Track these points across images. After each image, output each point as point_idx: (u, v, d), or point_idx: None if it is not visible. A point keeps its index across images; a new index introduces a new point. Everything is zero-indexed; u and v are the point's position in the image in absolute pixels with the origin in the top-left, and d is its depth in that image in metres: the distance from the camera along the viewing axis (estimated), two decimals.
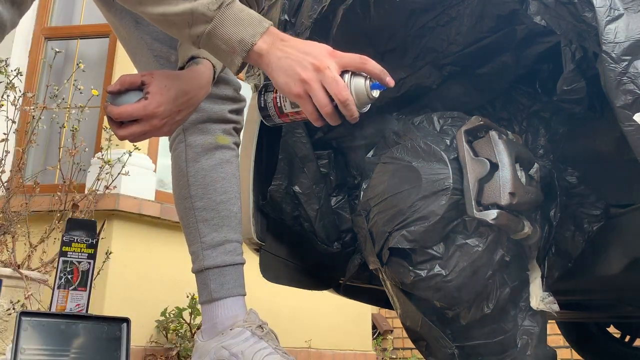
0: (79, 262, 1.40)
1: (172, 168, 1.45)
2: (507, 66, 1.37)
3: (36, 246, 2.73)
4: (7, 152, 2.78)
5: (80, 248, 1.41)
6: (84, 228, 1.43)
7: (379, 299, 1.91)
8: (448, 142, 1.31)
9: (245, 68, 1.06)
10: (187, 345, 3.24)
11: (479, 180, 1.23)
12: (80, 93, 3.12)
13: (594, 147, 1.34)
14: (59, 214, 2.84)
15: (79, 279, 1.40)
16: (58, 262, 1.38)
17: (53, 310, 1.35)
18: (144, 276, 3.34)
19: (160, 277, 3.39)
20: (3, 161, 2.74)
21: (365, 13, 1.30)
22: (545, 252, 1.35)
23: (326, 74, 0.98)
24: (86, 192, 3.12)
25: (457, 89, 1.45)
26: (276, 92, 1.11)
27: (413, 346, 2.82)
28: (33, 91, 3.66)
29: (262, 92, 1.13)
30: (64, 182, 2.96)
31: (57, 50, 3.13)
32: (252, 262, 1.56)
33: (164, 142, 3.54)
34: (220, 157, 1.41)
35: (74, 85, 3.14)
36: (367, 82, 1.00)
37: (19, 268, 2.50)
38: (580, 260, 1.33)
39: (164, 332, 3.33)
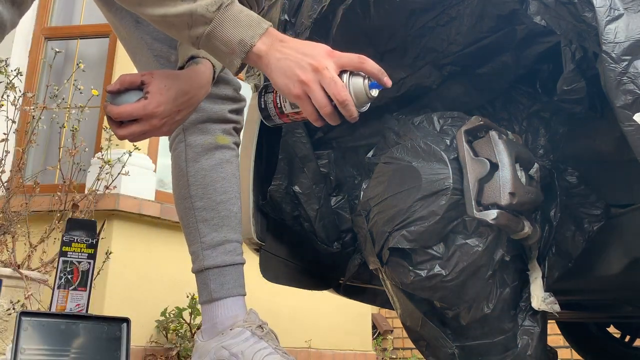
0: (79, 262, 1.40)
1: (172, 168, 1.45)
2: (507, 66, 1.37)
3: (36, 246, 2.73)
4: (7, 152, 2.78)
5: (80, 248, 1.41)
6: (84, 228, 1.43)
7: (379, 299, 1.92)
8: (448, 142, 1.31)
9: (245, 69, 1.06)
10: (187, 345, 3.24)
11: (479, 180, 1.23)
12: (80, 93, 3.12)
13: (594, 147, 1.34)
14: (59, 214, 2.84)
15: (79, 279, 1.40)
16: (58, 262, 1.38)
17: (53, 310, 1.35)
18: (144, 276, 3.34)
19: (160, 277, 3.39)
20: (3, 161, 2.74)
21: (365, 13, 1.30)
22: (545, 252, 1.34)
23: (324, 74, 0.98)
24: (86, 192, 3.12)
25: (457, 89, 1.45)
26: (276, 93, 1.11)
27: (413, 346, 2.82)
28: (33, 91, 3.66)
29: (262, 93, 1.13)
30: (64, 182, 2.96)
31: (57, 50, 3.13)
32: (252, 262, 1.56)
33: (164, 142, 3.54)
34: (220, 157, 1.41)
35: (74, 85, 3.14)
36: (366, 81, 1.00)
37: (19, 268, 2.50)
38: (581, 260, 1.33)
39: (164, 332, 3.33)
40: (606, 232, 1.31)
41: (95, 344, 1.34)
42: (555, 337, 2.77)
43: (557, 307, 1.31)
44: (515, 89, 1.43)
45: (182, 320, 3.33)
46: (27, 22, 3.98)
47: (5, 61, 2.90)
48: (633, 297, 1.61)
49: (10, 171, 2.88)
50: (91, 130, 3.64)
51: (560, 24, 1.10)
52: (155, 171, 3.65)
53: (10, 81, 2.81)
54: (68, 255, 1.39)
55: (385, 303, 1.80)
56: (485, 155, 1.25)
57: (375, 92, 1.01)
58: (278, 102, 1.11)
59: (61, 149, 3.07)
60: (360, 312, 4.48)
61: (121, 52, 3.60)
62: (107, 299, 3.15)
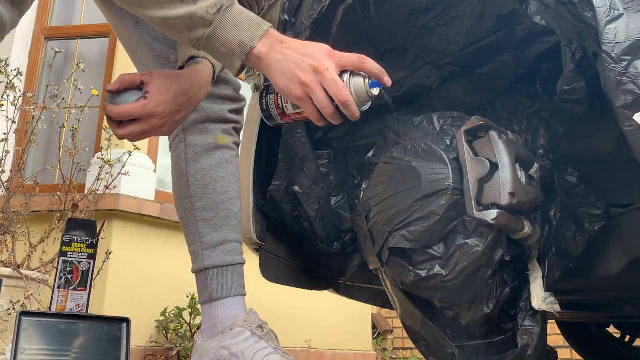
0: (79, 262, 1.40)
1: (172, 168, 1.45)
2: (507, 66, 1.37)
3: (36, 246, 2.73)
4: (7, 152, 2.78)
5: (80, 248, 1.41)
6: (84, 228, 1.43)
7: (379, 299, 1.91)
8: (448, 142, 1.31)
9: (245, 69, 1.07)
10: (187, 345, 3.24)
11: (479, 180, 1.23)
12: (80, 93, 3.12)
13: (594, 147, 1.33)
14: (59, 214, 2.84)
15: (79, 279, 1.40)
16: (58, 262, 1.38)
17: (53, 310, 1.35)
18: (144, 276, 3.34)
19: (160, 277, 3.39)
20: (3, 161, 2.74)
21: (365, 13, 1.30)
22: (545, 252, 1.34)
23: (325, 75, 0.98)
24: (86, 192, 3.12)
25: (457, 89, 1.45)
26: (277, 94, 1.11)
27: (413, 346, 2.82)
28: (33, 91, 3.66)
29: (264, 95, 1.13)
30: (64, 182, 2.96)
31: (57, 50, 3.13)
32: (252, 262, 1.56)
33: (164, 142, 3.54)
34: (220, 157, 1.41)
35: (74, 85, 3.14)
36: (367, 80, 1.01)
37: (19, 268, 2.50)
38: (581, 260, 1.33)
39: (164, 332, 3.33)
40: (606, 232, 1.31)
41: (95, 344, 1.34)
42: (555, 337, 2.77)
43: (557, 307, 1.31)
44: (515, 89, 1.43)
45: (182, 320, 3.33)
46: (27, 22, 3.98)
47: (5, 61, 2.90)
48: (633, 297, 1.61)
49: (10, 171, 2.88)
50: (91, 130, 3.64)
51: (560, 24, 1.10)
52: (155, 171, 3.65)
53: (10, 81, 2.81)
54: (68, 255, 1.39)
55: (385, 303, 1.80)
56: (485, 155, 1.25)
57: (376, 91, 1.02)
58: (280, 103, 1.11)
59: (61, 149, 3.07)
60: (360, 312, 4.48)
61: (121, 52, 3.60)
62: (107, 299, 3.15)
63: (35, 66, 3.91)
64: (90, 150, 3.41)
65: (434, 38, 1.34)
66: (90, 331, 1.34)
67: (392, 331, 5.69)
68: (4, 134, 2.73)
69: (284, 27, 1.41)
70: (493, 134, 1.25)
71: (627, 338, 2.55)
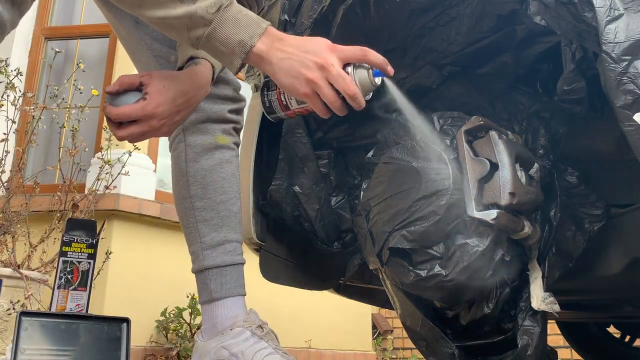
0: (79, 262, 1.40)
1: (172, 168, 1.45)
2: (507, 66, 1.37)
3: (36, 246, 2.73)
4: (7, 152, 2.78)
5: (80, 248, 1.41)
6: (84, 228, 1.43)
7: (379, 299, 1.91)
8: (448, 142, 1.31)
9: (245, 68, 1.07)
10: (187, 345, 3.24)
11: (479, 180, 1.23)
12: (80, 93, 3.12)
13: (594, 147, 1.33)
14: (59, 214, 2.84)
15: (79, 279, 1.40)
16: (58, 262, 1.38)
17: (53, 310, 1.35)
18: (144, 276, 3.34)
19: (160, 277, 3.39)
20: (3, 161, 2.74)
21: (365, 13, 1.30)
22: (545, 252, 1.34)
23: (331, 71, 0.99)
24: (86, 192, 3.12)
25: (457, 89, 1.45)
26: (280, 91, 1.12)
27: (413, 346, 2.82)
28: (33, 91, 3.66)
29: (265, 92, 1.14)
30: (64, 182, 2.96)
31: (57, 50, 3.13)
32: (252, 262, 1.56)
33: (164, 142, 3.54)
34: (220, 157, 1.41)
35: (74, 85, 3.14)
36: (370, 71, 1.03)
37: (19, 268, 2.50)
38: (581, 260, 1.33)
39: (164, 332, 3.33)
40: (606, 232, 1.31)
41: (95, 344, 1.34)
42: (555, 337, 2.77)
43: (557, 307, 1.31)
44: (515, 89, 1.43)
45: (182, 320, 3.33)
46: (27, 22, 3.98)
47: (5, 61, 2.90)
48: (633, 297, 1.61)
49: (10, 171, 2.88)
50: (91, 130, 3.64)
51: (560, 24, 1.09)
52: (155, 171, 3.65)
53: (10, 81, 2.81)
54: (68, 255, 1.39)
55: (385, 303, 1.80)
56: (485, 155, 1.25)
57: (378, 80, 1.05)
58: (283, 99, 1.12)
59: (61, 149, 3.07)
60: (360, 312, 4.48)
61: (121, 52, 3.60)
62: (107, 299, 3.15)
63: (35, 66, 3.91)
64: (90, 150, 3.41)
65: (434, 38, 1.34)
66: (90, 331, 1.34)
67: (392, 331, 5.70)
68: (4, 134, 2.73)
69: (284, 27, 1.41)
70: (493, 134, 1.25)
71: (627, 338, 2.55)
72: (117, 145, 3.13)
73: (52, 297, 1.36)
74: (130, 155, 3.12)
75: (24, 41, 3.95)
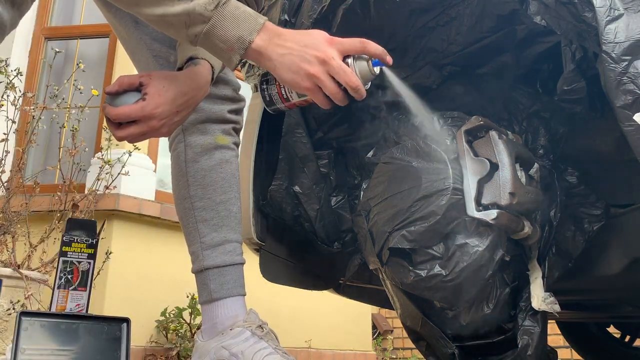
0: (79, 262, 1.40)
1: (172, 168, 1.45)
2: (507, 66, 1.37)
3: (36, 246, 2.73)
4: (7, 152, 2.78)
5: (80, 248, 1.41)
6: (84, 228, 1.43)
7: (379, 299, 1.91)
8: (448, 142, 1.31)
9: (245, 67, 1.07)
10: (187, 345, 3.24)
11: (479, 180, 1.23)
12: (80, 93, 3.12)
13: (594, 147, 1.33)
14: (59, 214, 2.84)
15: (79, 279, 1.40)
16: (58, 262, 1.38)
17: (53, 310, 1.35)
18: (144, 276, 3.34)
19: (160, 277, 3.38)
20: (3, 161, 2.74)
21: (365, 13, 1.30)
22: (545, 252, 1.34)
23: (332, 64, 1.00)
24: (86, 192, 3.12)
25: (457, 89, 1.45)
26: (279, 85, 1.12)
27: (413, 346, 2.82)
28: (33, 91, 3.66)
29: (264, 86, 1.14)
30: (64, 182, 2.96)
31: (57, 50, 3.13)
32: (252, 262, 1.56)
33: (164, 142, 3.54)
34: (219, 157, 1.41)
35: (74, 85, 3.14)
36: (369, 62, 1.04)
37: (19, 268, 2.50)
38: (581, 260, 1.33)
39: (164, 332, 3.33)
40: (606, 232, 1.31)
41: (95, 344, 1.34)
42: (555, 337, 2.77)
43: (557, 307, 1.31)
44: (515, 89, 1.43)
45: (182, 320, 3.33)
46: (27, 22, 3.98)
47: (5, 61, 2.90)
48: (633, 297, 1.61)
49: (10, 171, 2.88)
50: (91, 130, 3.64)
51: (560, 24, 1.10)
52: (155, 171, 3.65)
53: (10, 81, 2.81)
54: (68, 255, 1.39)
55: (385, 303, 1.80)
56: (485, 155, 1.25)
57: (377, 69, 1.05)
58: (284, 93, 1.12)
59: (61, 149, 3.07)
60: (360, 312, 4.48)
61: (121, 52, 3.60)
62: (107, 299, 3.15)
63: (35, 66, 3.91)
64: (90, 150, 3.41)
65: (434, 38, 1.34)
66: (90, 331, 1.34)
67: (392, 331, 5.69)
68: (4, 134, 2.73)
69: (284, 27, 1.41)
70: (493, 134, 1.25)
71: (627, 338, 2.55)
72: (117, 145, 3.13)
73: (52, 297, 1.36)
74: (130, 155, 3.12)
75: (24, 41, 3.95)
